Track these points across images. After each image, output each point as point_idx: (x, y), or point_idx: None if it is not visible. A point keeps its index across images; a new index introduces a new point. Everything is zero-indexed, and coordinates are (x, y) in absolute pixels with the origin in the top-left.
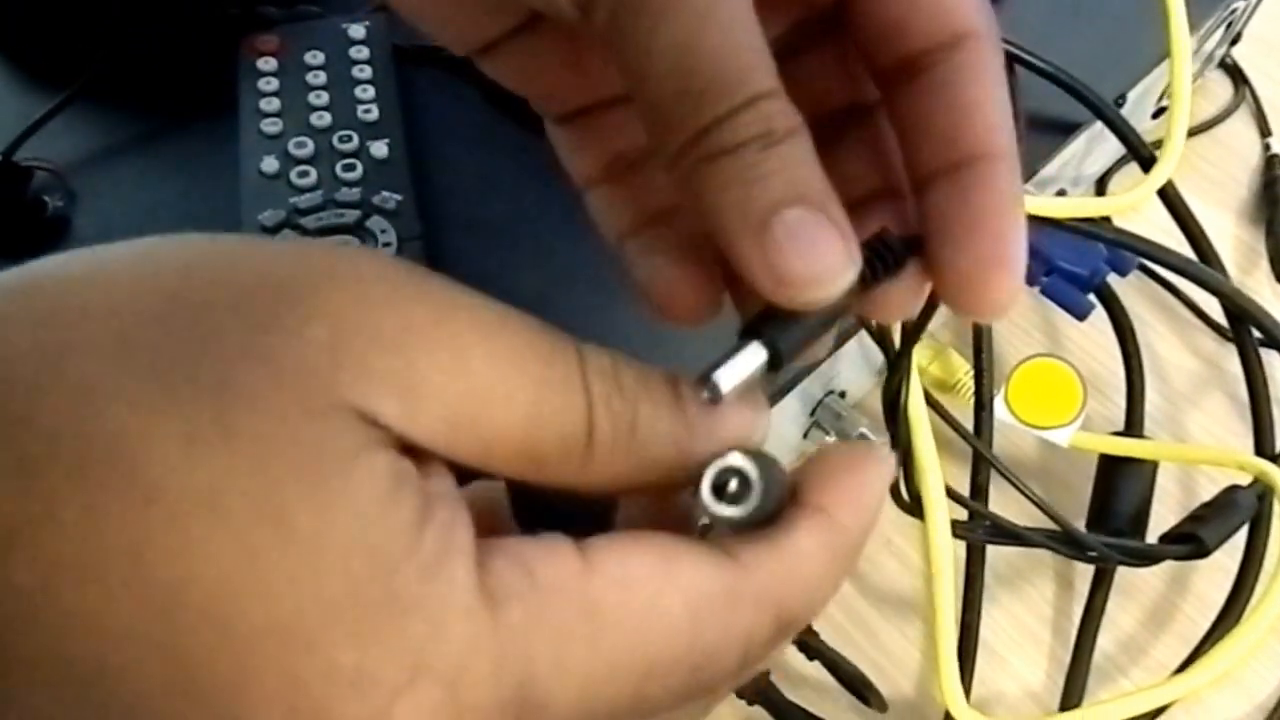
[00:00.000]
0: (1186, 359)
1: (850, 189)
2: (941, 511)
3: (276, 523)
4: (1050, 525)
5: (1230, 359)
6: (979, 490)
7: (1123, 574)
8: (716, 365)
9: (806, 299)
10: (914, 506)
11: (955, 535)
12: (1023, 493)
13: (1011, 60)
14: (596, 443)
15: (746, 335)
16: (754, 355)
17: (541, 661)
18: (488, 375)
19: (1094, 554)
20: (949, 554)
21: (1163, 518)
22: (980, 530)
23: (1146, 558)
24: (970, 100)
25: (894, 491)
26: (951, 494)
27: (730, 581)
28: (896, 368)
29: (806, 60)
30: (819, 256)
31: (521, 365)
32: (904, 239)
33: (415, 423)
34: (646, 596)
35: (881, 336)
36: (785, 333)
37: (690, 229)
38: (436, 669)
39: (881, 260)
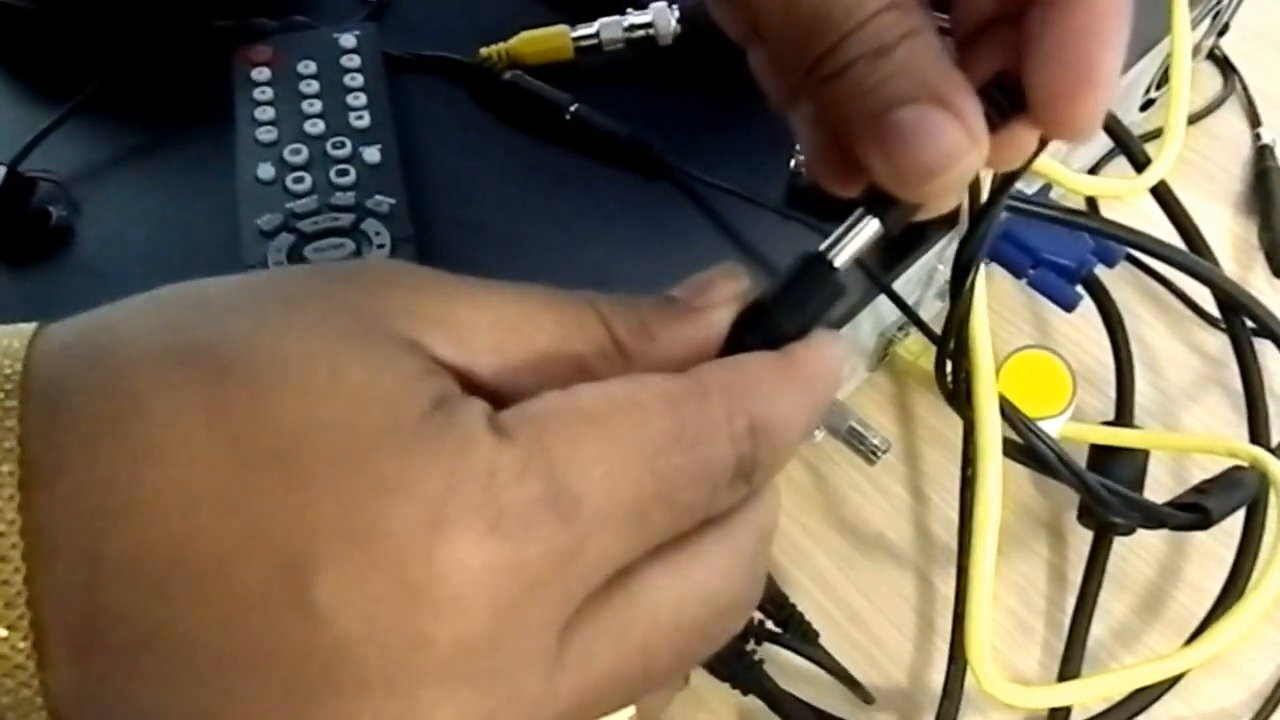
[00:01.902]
0: (1176, 349)
1: (969, 18)
2: (990, 397)
3: (331, 381)
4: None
5: (1220, 348)
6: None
7: (1116, 561)
8: (831, 239)
9: (931, 188)
10: (957, 394)
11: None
12: (1036, 435)
13: None
14: (622, 342)
15: (859, 208)
16: (867, 227)
17: (561, 459)
18: (510, 309)
19: (1105, 506)
20: (998, 453)
21: None
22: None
23: (1154, 520)
24: None
25: (940, 380)
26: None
27: (691, 381)
28: (979, 221)
29: None
30: (935, 147)
31: (534, 298)
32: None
33: (469, 355)
34: (625, 395)
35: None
36: (893, 207)
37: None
38: (471, 472)
39: (1001, 104)
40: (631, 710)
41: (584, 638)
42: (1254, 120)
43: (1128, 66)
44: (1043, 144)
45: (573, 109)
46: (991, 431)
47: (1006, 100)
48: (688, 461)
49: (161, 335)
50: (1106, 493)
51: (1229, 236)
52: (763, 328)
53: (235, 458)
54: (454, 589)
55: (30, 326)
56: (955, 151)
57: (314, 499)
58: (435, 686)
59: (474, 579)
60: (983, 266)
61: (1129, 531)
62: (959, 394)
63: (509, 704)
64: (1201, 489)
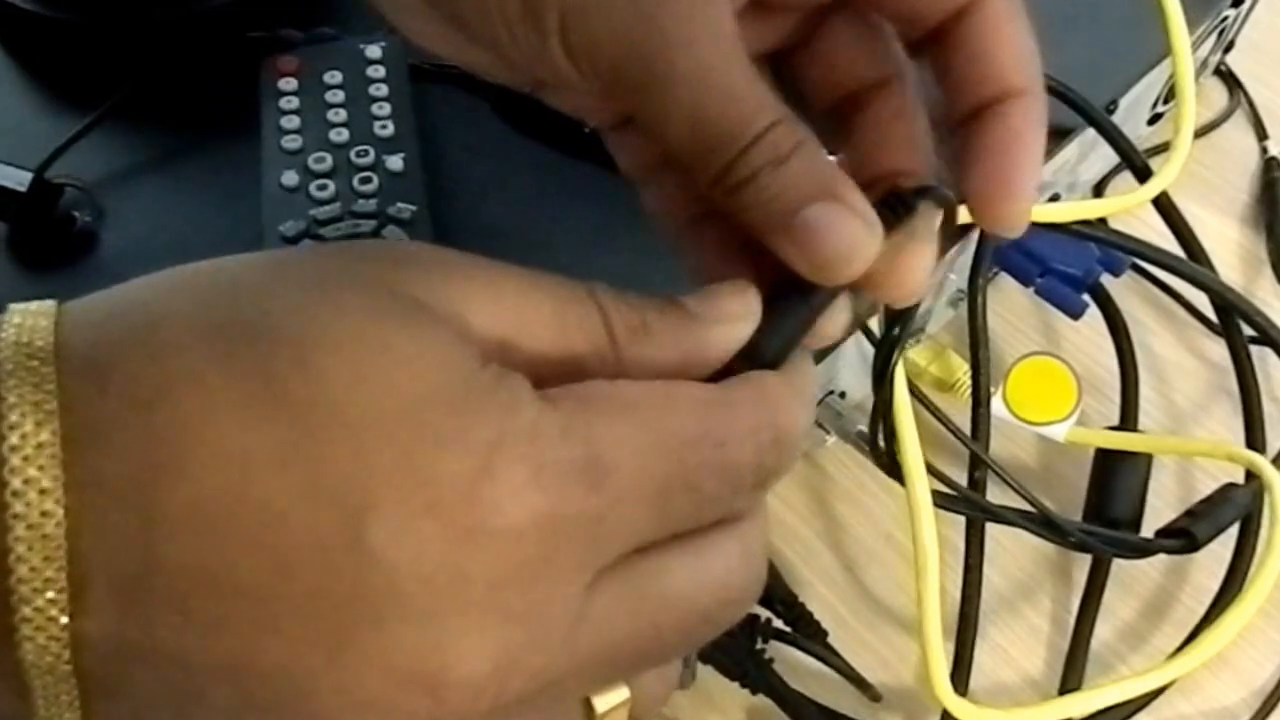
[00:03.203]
0: (1181, 356)
1: (879, 153)
2: (919, 469)
3: (382, 349)
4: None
5: (1224, 356)
6: (976, 486)
7: (1121, 566)
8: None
9: (842, 275)
10: (893, 467)
11: (937, 505)
12: (1011, 486)
13: None
14: (620, 343)
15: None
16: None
17: (599, 430)
18: (518, 300)
19: (1076, 542)
20: (929, 515)
21: (1160, 512)
22: (960, 504)
23: (1138, 550)
24: (987, 50)
25: (874, 449)
26: (933, 471)
27: (723, 391)
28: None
29: (831, 40)
30: (840, 238)
31: (542, 289)
32: (914, 189)
33: (501, 329)
34: (663, 391)
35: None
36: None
37: (727, 227)
38: (518, 429)
39: (894, 210)
40: (625, 693)
41: (605, 601)
42: (1260, 134)
43: (1133, 83)
44: (957, 235)
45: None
46: (924, 503)
47: (894, 210)
48: (713, 458)
49: (203, 313)
50: (1085, 535)
51: (1236, 249)
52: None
53: (292, 417)
54: (493, 531)
55: (50, 304)
56: (858, 239)
57: (370, 449)
58: (468, 616)
59: (511, 524)
60: (992, 274)
61: None
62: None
63: (532, 644)
64: (1194, 511)
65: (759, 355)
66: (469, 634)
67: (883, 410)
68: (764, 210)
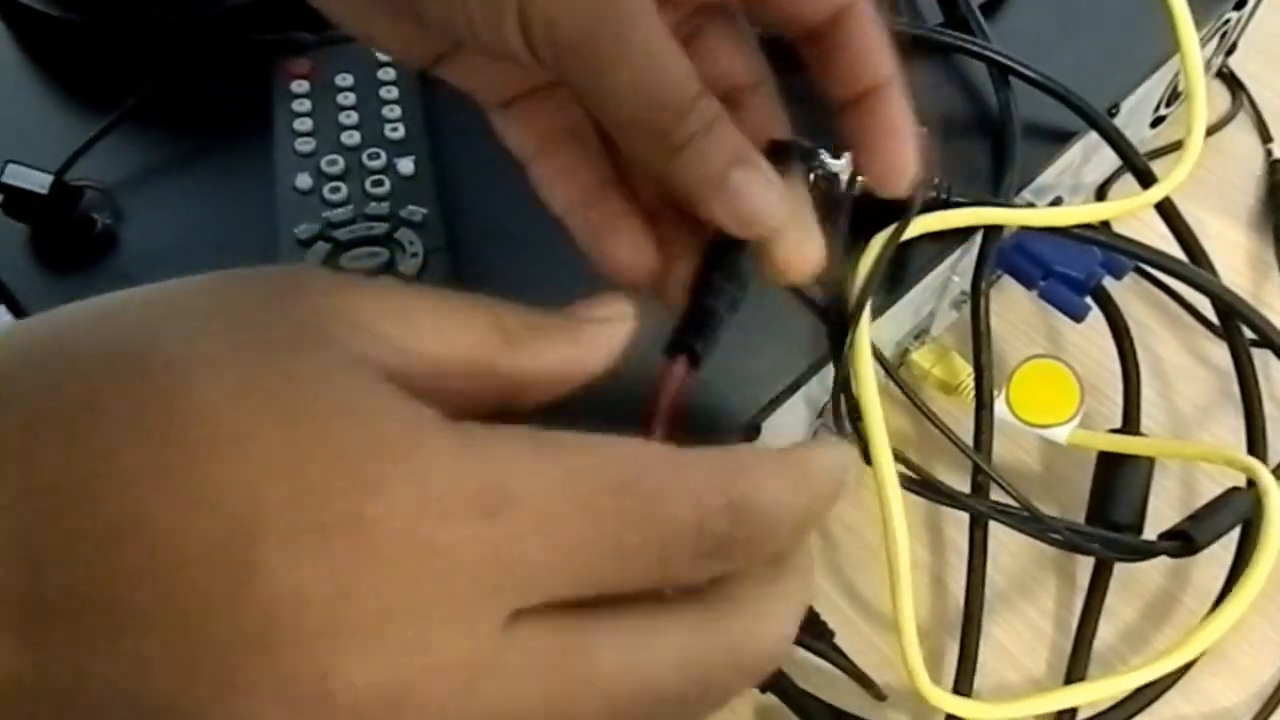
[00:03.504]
0: (1183, 359)
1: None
2: (885, 455)
3: (270, 372)
4: (1066, 522)
5: (1227, 359)
6: (978, 489)
7: (1124, 568)
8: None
9: (766, 228)
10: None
11: (939, 503)
12: (1006, 490)
13: (1005, 71)
14: (511, 335)
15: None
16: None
17: (503, 458)
18: (412, 315)
19: (1074, 544)
20: (899, 503)
21: (1163, 514)
22: (914, 485)
23: (1136, 552)
24: (862, 47)
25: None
26: (922, 473)
27: (671, 449)
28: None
29: (710, 42)
30: (761, 197)
31: (434, 303)
32: (786, 142)
33: (394, 352)
34: (597, 439)
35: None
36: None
37: (624, 201)
38: (409, 450)
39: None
40: None
41: (516, 657)
42: (1264, 136)
43: (1135, 87)
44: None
45: None
46: (889, 479)
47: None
48: (635, 509)
49: (99, 344)
50: (1083, 537)
51: (1241, 253)
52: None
53: (179, 442)
54: (379, 555)
55: None
56: (776, 198)
57: (258, 472)
58: (354, 641)
59: (398, 549)
60: (995, 277)
61: None
62: None
63: (427, 678)
64: (1196, 515)
65: (687, 330)
66: (357, 659)
67: (842, 389)
68: (699, 173)
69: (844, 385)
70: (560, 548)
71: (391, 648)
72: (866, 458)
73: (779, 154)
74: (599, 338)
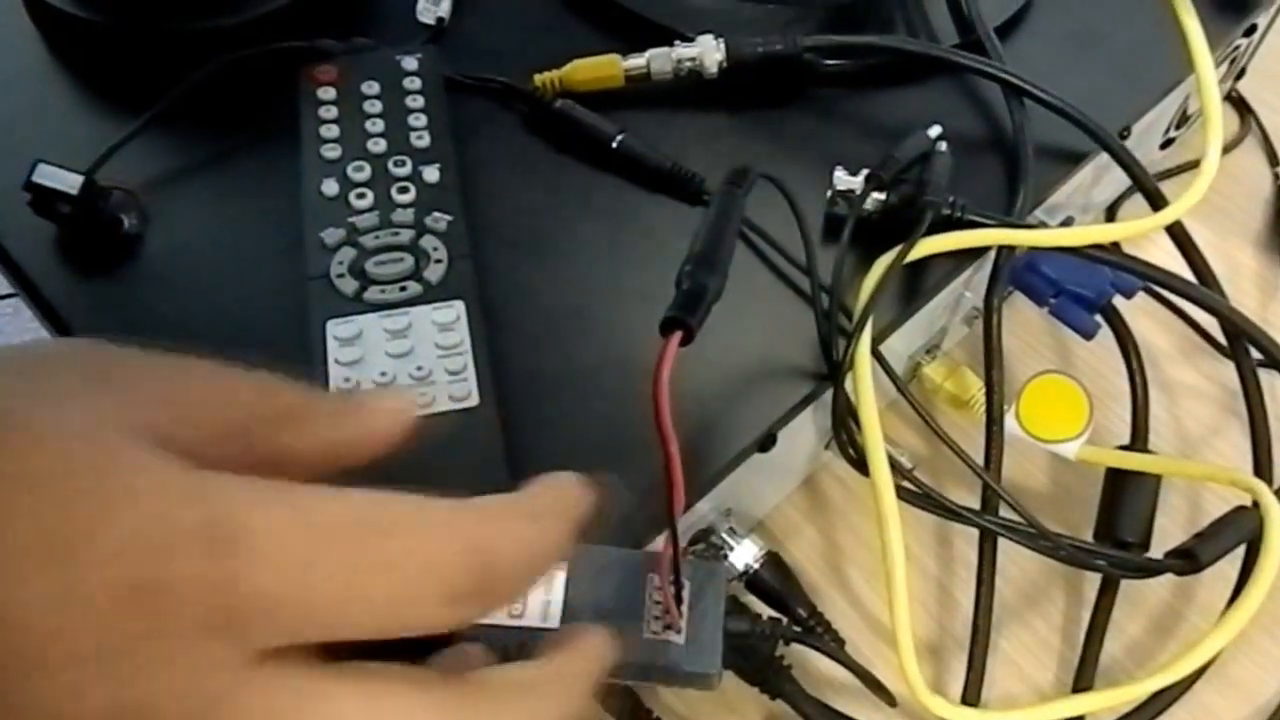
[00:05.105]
0: (1192, 377)
1: None
2: (882, 464)
3: (12, 426)
4: (1070, 538)
5: (1235, 378)
6: (987, 505)
7: (1131, 584)
8: None
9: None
10: (860, 461)
11: (945, 518)
12: (1012, 506)
13: (1019, 92)
14: (278, 414)
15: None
16: None
17: (233, 495)
18: (174, 384)
19: (1078, 560)
20: (896, 519)
21: (1170, 532)
22: (913, 491)
23: (1141, 570)
24: None
25: (843, 447)
26: (921, 486)
27: (420, 500)
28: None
29: None
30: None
31: (212, 370)
32: None
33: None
34: (339, 490)
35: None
36: None
37: None
38: (138, 489)
39: None
40: None
41: (247, 697)
42: (1272, 159)
43: (1146, 110)
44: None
45: (618, 140)
46: (889, 510)
47: None
48: (374, 546)
49: None
50: (1088, 553)
51: (1249, 274)
52: None
53: None
54: (98, 587)
55: None
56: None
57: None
58: (70, 673)
59: (117, 581)
60: (1007, 294)
61: None
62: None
63: (145, 713)
64: (1202, 533)
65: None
66: (76, 690)
67: (842, 401)
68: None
69: (845, 400)
70: (294, 582)
71: (113, 681)
72: (866, 472)
73: None
74: (374, 423)
